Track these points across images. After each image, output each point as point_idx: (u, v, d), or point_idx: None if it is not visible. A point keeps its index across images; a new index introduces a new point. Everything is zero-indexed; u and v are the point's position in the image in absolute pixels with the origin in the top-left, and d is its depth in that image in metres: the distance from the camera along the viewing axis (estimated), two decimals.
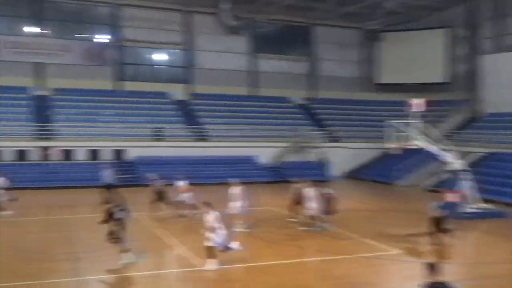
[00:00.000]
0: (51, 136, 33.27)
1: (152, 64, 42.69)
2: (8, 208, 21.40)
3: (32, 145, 32.23)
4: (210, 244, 13.05)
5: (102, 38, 40.33)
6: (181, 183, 20.92)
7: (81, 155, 33.28)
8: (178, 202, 20.51)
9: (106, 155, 33.62)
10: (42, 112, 35.34)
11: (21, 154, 31.86)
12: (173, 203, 20.70)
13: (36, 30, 38.01)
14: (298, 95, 44.14)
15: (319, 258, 15.34)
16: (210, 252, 13.11)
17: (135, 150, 34.24)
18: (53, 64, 37.84)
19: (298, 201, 19.19)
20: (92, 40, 40.22)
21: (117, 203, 14.98)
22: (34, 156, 32.21)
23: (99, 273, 13.21)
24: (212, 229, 13.07)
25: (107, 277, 12.95)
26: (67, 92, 37.03)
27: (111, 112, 37.42)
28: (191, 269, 13.62)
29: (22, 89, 36.57)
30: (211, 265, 13.11)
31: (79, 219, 21.05)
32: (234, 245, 13.57)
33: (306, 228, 18.31)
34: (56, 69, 37.87)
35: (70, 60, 38.29)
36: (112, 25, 40.04)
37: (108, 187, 24.04)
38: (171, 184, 21.28)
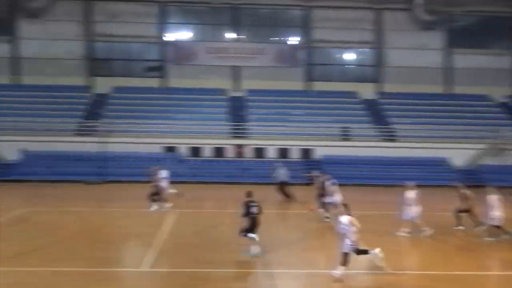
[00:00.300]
0: (245, 135, 35.42)
1: (341, 63, 42.81)
2: (169, 200, 22.51)
3: (228, 143, 34.63)
4: (345, 249, 12.46)
5: (294, 40, 41.66)
6: (329, 184, 20.38)
7: (271, 153, 34.75)
8: (328, 203, 19.96)
9: (295, 154, 34.65)
10: (237, 112, 37.81)
11: (218, 151, 34.44)
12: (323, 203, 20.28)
13: (234, 35, 40.79)
14: (499, 93, 40.28)
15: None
16: (344, 258, 12.41)
17: (323, 149, 34.67)
18: (247, 67, 40.26)
19: (467, 208, 17.74)
20: (284, 43, 41.79)
21: (253, 199, 14.95)
22: (230, 153, 34.55)
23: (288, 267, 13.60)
24: (346, 233, 12.50)
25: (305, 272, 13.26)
26: (260, 93, 39.04)
27: (301, 112, 38.43)
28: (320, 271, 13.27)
29: (221, 91, 39.63)
30: (339, 270, 12.43)
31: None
32: (375, 250, 12.86)
33: (492, 239, 16.55)
34: (250, 71, 40.22)
35: (263, 62, 40.34)
36: (303, 27, 41.14)
37: (282, 184, 25.16)
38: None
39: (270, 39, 41.66)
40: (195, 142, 34.47)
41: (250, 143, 34.94)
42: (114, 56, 40.62)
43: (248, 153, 34.64)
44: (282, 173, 25.87)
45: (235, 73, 40.55)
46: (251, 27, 41.56)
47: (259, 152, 34.74)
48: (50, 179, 31.08)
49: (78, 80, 39.69)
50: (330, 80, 41.08)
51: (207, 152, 34.40)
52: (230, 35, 41.06)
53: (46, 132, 34.09)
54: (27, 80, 39.36)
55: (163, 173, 22.70)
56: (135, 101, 38.16)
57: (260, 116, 37.55)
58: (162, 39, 40.17)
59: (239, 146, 34.66)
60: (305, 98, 39.69)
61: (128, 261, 14.95)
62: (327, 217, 19.31)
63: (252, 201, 14.85)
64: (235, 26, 40.75)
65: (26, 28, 39.46)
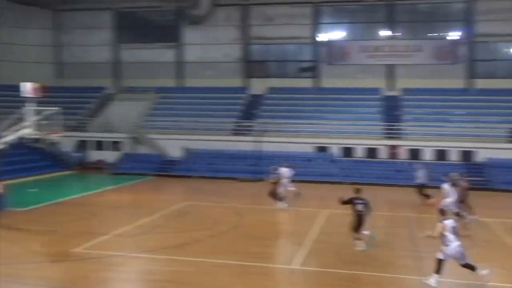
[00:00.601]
0: (399, 136, 34.08)
1: (508, 59, 39.18)
2: (285, 200, 22.37)
3: (381, 144, 33.64)
4: (440, 256, 11.58)
5: (454, 35, 39.12)
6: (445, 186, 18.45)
7: (428, 155, 33.01)
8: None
9: (454, 156, 32.52)
10: (391, 112, 36.57)
11: (371, 152, 33.58)
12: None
13: (388, 33, 39.50)
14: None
15: None
16: (438, 265, 11.58)
17: (486, 152, 32.02)
18: (403, 65, 38.78)
19: None
20: (443, 38, 39.45)
21: (360, 196, 15.09)
22: (382, 154, 33.52)
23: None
24: (446, 240, 11.54)
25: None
26: (416, 92, 37.30)
27: (462, 111, 35.97)
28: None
29: (375, 91, 38.68)
30: (432, 279, 11.53)
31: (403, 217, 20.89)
32: (484, 271, 11.74)
33: None
34: (406, 69, 38.65)
35: (419, 60, 38.49)
36: (465, 21, 38.45)
37: (421, 186, 24.12)
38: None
39: (428, 35, 39.61)
40: (347, 142, 34.02)
41: (405, 144, 33.54)
42: (269, 57, 41.76)
43: (403, 154, 33.29)
44: (422, 175, 24.65)
45: (390, 71, 39.27)
46: (406, 24, 39.88)
47: (414, 153, 33.19)
48: (208, 175, 32.90)
49: (235, 82, 41.51)
50: (495, 77, 37.86)
51: (359, 153, 33.75)
52: (385, 33, 39.83)
53: (205, 131, 36.25)
54: (189, 82, 42.19)
55: (286, 171, 22.93)
56: (288, 101, 38.85)
57: (416, 116, 35.87)
58: (316, 40, 40.34)
59: (394, 147, 33.45)
60: (466, 96, 37.01)
61: (280, 258, 15.20)
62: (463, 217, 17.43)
63: (358, 198, 14.89)
64: (389, 23, 39.42)
65: (189, 34, 42.33)
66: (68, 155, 35.75)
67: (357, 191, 15.17)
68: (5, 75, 41.51)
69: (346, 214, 20.31)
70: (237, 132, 36.09)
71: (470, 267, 11.81)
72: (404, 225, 19.25)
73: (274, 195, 22.24)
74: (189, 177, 32.68)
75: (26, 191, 26.25)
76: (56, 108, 22.52)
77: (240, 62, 41.54)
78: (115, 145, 36.93)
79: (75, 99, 42.49)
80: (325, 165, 32.83)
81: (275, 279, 12.93)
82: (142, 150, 36.59)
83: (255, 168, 32.40)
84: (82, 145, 37.54)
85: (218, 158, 34.52)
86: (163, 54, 42.71)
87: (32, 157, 33.99)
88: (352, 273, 13.08)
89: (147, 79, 42.50)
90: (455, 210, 16.62)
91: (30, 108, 19.89)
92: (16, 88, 38.98)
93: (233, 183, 31.01)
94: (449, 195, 18.18)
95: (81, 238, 16.23)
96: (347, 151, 33.86)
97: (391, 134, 34.18)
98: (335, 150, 33.91)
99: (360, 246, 14.96)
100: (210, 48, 41.92)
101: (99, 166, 36.03)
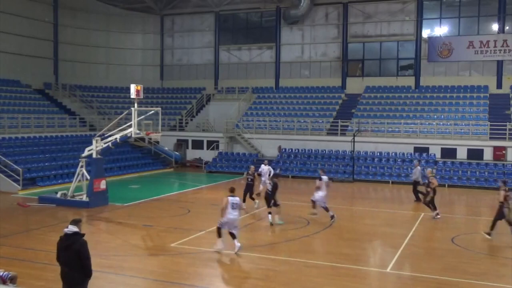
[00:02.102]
0: (508, 136, 31.86)
1: None
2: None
3: (486, 145, 31.68)
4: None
5: None
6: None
7: None
8: None
9: None
10: (500, 111, 34.31)
11: (475, 153, 31.70)
12: None
13: (497, 27, 37.00)
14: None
15: None
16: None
17: None
18: (510, 61, 36.31)
19: None
20: None
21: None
22: (487, 156, 31.56)
23: None
24: None
25: None
26: None
27: None
28: None
29: (480, 88, 36.57)
30: None
31: None
32: None
33: None
34: None
35: None
36: None
37: (415, 184, 24.07)
38: None
39: None
40: (449, 143, 32.44)
41: None
42: (367, 56, 40.83)
43: (510, 156, 31.12)
44: (417, 173, 24.18)
45: (498, 68, 36.86)
46: None
47: None
48: (302, 175, 32.85)
49: (331, 81, 41.10)
50: None
51: (462, 154, 32.02)
52: (493, 28, 37.34)
53: (301, 131, 36.27)
54: (286, 82, 42.37)
55: (265, 170, 23.75)
56: (386, 101, 37.84)
57: None
58: (417, 37, 38.83)
59: (500, 149, 31.35)
60: None
61: (373, 260, 14.81)
62: None
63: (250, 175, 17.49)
64: (499, 17, 36.91)
65: (286, 34, 42.53)
66: (168, 154, 37.28)
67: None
68: (113, 77, 44.23)
69: (444, 217, 19.47)
70: (332, 132, 35.70)
71: None
72: (508, 232, 17.98)
73: (250, 194, 21.64)
74: (284, 176, 32.79)
75: (128, 187, 27.75)
76: (158, 108, 23.55)
77: (338, 61, 41.05)
78: (212, 144, 37.97)
79: (176, 100, 44.42)
80: (424, 166, 31.48)
81: (367, 282, 12.61)
82: (238, 149, 37.35)
83: (350, 169, 31.95)
84: (181, 144, 39.04)
85: (313, 158, 34.38)
86: (261, 54, 43.28)
87: (135, 155, 35.90)
88: (450, 279, 12.43)
89: (245, 79, 43.35)
90: None
91: (134, 108, 20.97)
92: (123, 90, 41.72)
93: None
94: None
95: (177, 234, 16.85)
96: (449, 152, 32.25)
97: (498, 134, 32.08)
98: (435, 151, 32.41)
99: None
100: (307, 47, 41.91)
101: (196, 165, 37.27)
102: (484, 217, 22.35)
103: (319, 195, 19.17)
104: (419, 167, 24.80)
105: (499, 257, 14.69)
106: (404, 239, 16.31)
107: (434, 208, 19.98)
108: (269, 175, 23.04)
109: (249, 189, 21.38)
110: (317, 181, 19.67)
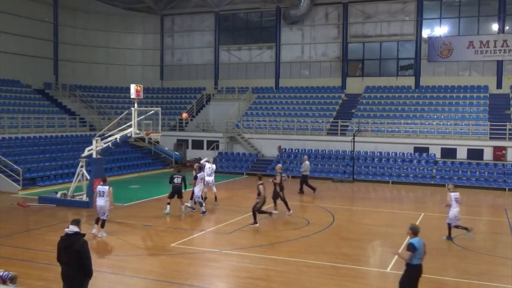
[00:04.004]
0: (508, 136, 31.85)
1: None
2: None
3: (486, 145, 31.68)
4: None
5: None
6: None
7: None
8: None
9: None
10: (499, 111, 34.32)
11: (475, 153, 31.70)
12: None
13: (497, 28, 36.98)
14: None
15: None
16: None
17: None
18: (510, 61, 36.32)
19: None
20: None
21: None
22: (487, 156, 31.57)
23: None
24: None
25: None
26: None
27: None
28: None
29: (480, 88, 36.58)
30: None
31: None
32: None
33: None
34: None
35: None
36: None
37: (305, 177, 25.70)
38: None
39: None
40: (449, 143, 32.44)
41: None
42: (367, 56, 40.80)
43: (510, 156, 31.12)
44: (306, 167, 25.92)
45: (498, 68, 36.84)
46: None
47: None
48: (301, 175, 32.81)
49: (331, 81, 41.08)
50: None
51: (462, 154, 32.02)
52: (493, 28, 37.29)
53: (301, 131, 36.28)
54: (285, 82, 42.37)
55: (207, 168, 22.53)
56: (386, 101, 37.85)
57: None
58: (417, 37, 38.81)
59: (500, 149, 31.34)
60: None
61: (373, 260, 14.83)
62: None
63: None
64: (499, 17, 36.86)
65: (286, 34, 42.53)
66: (168, 154, 37.28)
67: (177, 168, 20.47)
68: (113, 77, 44.25)
69: (444, 217, 19.48)
70: (332, 132, 35.70)
71: None
72: (508, 232, 18.01)
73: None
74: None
75: (128, 187, 27.74)
76: (158, 108, 23.55)
77: (338, 61, 41.05)
78: (212, 144, 37.96)
79: (176, 100, 44.42)
80: (424, 166, 31.55)
81: (367, 282, 12.62)
82: (238, 149, 37.36)
83: (350, 169, 31.97)
84: (181, 144, 39.05)
85: (312, 158, 34.36)
86: (261, 54, 43.27)
87: (135, 155, 35.91)
88: (450, 279, 12.45)
89: (245, 79, 43.37)
90: None
91: (134, 108, 20.98)
92: (123, 90, 41.71)
93: (327, 183, 30.71)
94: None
95: (177, 234, 16.86)
96: (449, 152, 32.25)
97: (498, 134, 32.08)
98: (435, 151, 32.41)
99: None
100: (307, 47, 41.91)
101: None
102: (484, 217, 22.42)
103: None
104: (307, 162, 26.73)
105: (499, 257, 14.70)
106: (404, 239, 16.28)
107: (286, 204, 20.31)
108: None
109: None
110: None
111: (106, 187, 16.45)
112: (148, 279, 12.51)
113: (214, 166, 23.18)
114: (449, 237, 16.43)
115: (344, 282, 12.25)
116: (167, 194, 20.34)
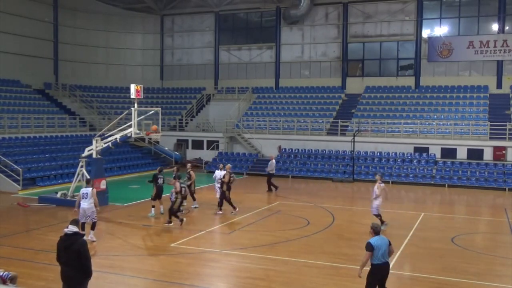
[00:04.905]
0: (508, 136, 31.84)
1: None
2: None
3: (486, 145, 31.68)
4: None
5: None
6: None
7: None
8: None
9: None
10: (499, 111, 34.32)
11: (475, 153, 31.69)
12: None
13: (497, 28, 36.97)
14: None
15: None
16: None
17: None
18: (510, 61, 36.33)
19: None
20: None
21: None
22: (487, 156, 31.56)
23: None
24: None
25: None
26: None
27: None
28: None
29: (480, 88, 36.58)
30: None
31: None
32: None
33: None
34: None
35: None
36: None
37: (270, 175, 26.71)
38: None
39: None
40: (449, 143, 32.44)
41: None
42: (367, 56, 40.80)
43: (510, 156, 31.11)
44: (272, 166, 26.85)
45: (498, 68, 36.84)
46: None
47: None
48: (302, 175, 32.86)
49: (331, 81, 41.09)
50: None
51: (462, 154, 32.02)
52: (493, 28, 37.28)
53: (301, 131, 36.28)
54: (285, 82, 42.37)
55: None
56: (386, 101, 37.85)
57: None
58: (417, 37, 38.80)
59: (500, 149, 31.34)
60: None
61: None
62: None
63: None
64: (499, 17, 36.85)
65: (286, 34, 42.53)
66: (168, 154, 37.27)
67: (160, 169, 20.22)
68: (113, 77, 44.25)
69: (444, 217, 19.50)
70: (332, 132, 35.71)
71: None
72: (508, 232, 18.01)
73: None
74: (284, 176, 32.83)
75: (128, 187, 27.74)
76: (158, 108, 23.55)
77: (338, 61, 41.06)
78: (212, 144, 37.96)
79: (176, 100, 44.44)
80: (424, 166, 31.55)
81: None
82: (238, 149, 37.35)
83: (350, 169, 31.97)
84: (181, 144, 39.04)
85: (312, 158, 34.38)
86: (261, 54, 43.28)
87: (135, 155, 35.90)
88: (450, 279, 12.44)
89: (245, 79, 43.37)
90: None
91: (134, 108, 20.97)
92: (122, 90, 41.70)
93: (327, 183, 30.72)
94: None
95: (177, 234, 16.86)
96: (449, 152, 32.25)
97: (498, 134, 32.08)
98: (435, 151, 32.41)
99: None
100: (307, 47, 41.91)
101: (196, 164, 37.21)
102: (484, 217, 22.43)
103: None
104: (274, 160, 27.65)
105: (499, 257, 14.69)
106: (404, 239, 16.31)
107: (230, 205, 20.36)
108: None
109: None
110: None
111: (90, 189, 15.74)
112: (148, 279, 12.51)
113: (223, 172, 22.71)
114: (382, 223, 17.49)
115: (344, 282, 12.24)
116: (151, 196, 19.94)
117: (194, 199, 21.68)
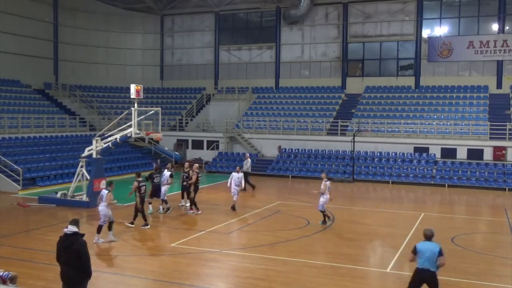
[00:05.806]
0: (508, 136, 31.83)
1: None
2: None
3: (486, 145, 31.68)
4: None
5: None
6: None
7: None
8: None
9: None
10: (499, 111, 34.32)
11: (475, 153, 31.69)
12: None
13: (497, 28, 36.95)
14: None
15: None
16: None
17: None
18: (510, 61, 36.32)
19: None
20: None
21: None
22: (487, 156, 31.55)
23: None
24: None
25: None
26: None
27: None
28: None
29: (480, 88, 36.57)
30: None
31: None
32: None
33: None
34: None
35: None
36: None
37: (247, 174, 26.85)
38: None
39: None
40: (449, 143, 32.44)
41: None
42: (367, 56, 40.78)
43: (510, 156, 31.10)
44: (248, 164, 27.29)
45: (498, 68, 36.83)
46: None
47: None
48: (301, 175, 32.85)
49: (331, 81, 41.07)
50: None
51: (462, 154, 32.01)
52: (493, 28, 37.26)
53: (301, 131, 36.27)
54: (285, 82, 42.36)
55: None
56: (386, 101, 37.84)
57: None
58: (417, 37, 38.79)
59: (500, 149, 31.33)
60: None
61: (373, 260, 14.81)
62: None
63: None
64: (499, 17, 36.83)
65: (286, 34, 42.52)
66: (168, 154, 37.26)
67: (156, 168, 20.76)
68: (113, 77, 44.24)
69: (444, 217, 19.52)
70: (332, 132, 35.70)
71: None
72: (508, 232, 18.01)
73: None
74: (284, 176, 32.82)
75: (128, 187, 27.67)
76: (158, 108, 23.54)
77: (338, 61, 41.05)
78: (212, 144, 37.95)
79: (176, 100, 44.42)
80: (424, 166, 31.54)
81: (367, 282, 12.61)
82: (238, 149, 37.34)
83: (350, 169, 31.96)
84: (181, 144, 39.03)
85: (312, 158, 34.38)
86: (261, 54, 43.27)
87: (135, 155, 35.90)
88: (450, 279, 12.42)
89: (245, 79, 43.36)
90: None
91: (134, 108, 20.97)
92: (122, 90, 41.69)
93: None
94: None
95: (177, 234, 16.86)
96: (449, 152, 32.25)
97: (498, 134, 32.07)
98: (435, 151, 32.40)
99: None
100: (307, 47, 41.90)
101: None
102: (484, 217, 22.42)
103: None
104: (249, 159, 28.39)
105: (499, 257, 14.70)
106: (404, 239, 16.30)
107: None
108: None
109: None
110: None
111: (105, 192, 15.79)
112: (148, 279, 12.51)
113: (240, 174, 22.54)
114: (324, 222, 18.49)
115: (344, 282, 12.24)
116: (148, 195, 19.94)
117: (182, 197, 21.54)
